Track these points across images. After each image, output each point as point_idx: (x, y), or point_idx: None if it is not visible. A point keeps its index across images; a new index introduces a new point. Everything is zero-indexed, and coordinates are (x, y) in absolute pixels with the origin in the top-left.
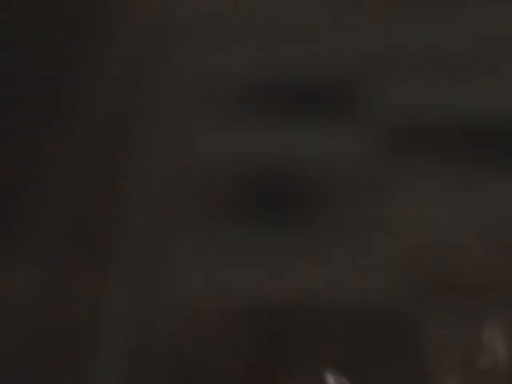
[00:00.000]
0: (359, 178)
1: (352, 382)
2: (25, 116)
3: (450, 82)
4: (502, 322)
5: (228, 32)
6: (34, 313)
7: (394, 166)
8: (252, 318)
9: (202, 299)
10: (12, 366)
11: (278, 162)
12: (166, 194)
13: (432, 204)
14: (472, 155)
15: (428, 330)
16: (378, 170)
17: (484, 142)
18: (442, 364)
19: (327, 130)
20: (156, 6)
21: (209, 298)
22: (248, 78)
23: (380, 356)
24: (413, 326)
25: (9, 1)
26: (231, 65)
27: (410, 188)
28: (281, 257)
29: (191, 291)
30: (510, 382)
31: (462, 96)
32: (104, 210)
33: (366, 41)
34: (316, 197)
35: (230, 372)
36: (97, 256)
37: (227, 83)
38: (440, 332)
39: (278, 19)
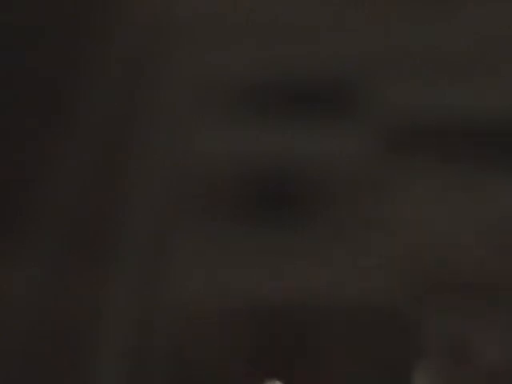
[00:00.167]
0: (359, 177)
1: (352, 381)
2: (25, 116)
3: (449, 82)
4: (502, 322)
5: (228, 32)
6: (33, 313)
7: (394, 165)
8: (252, 318)
9: (202, 299)
10: (12, 365)
11: (278, 162)
12: (166, 194)
13: (432, 204)
14: (472, 155)
15: (428, 330)
16: (377, 170)
17: (484, 142)
18: (441, 364)
19: (327, 130)
20: (156, 6)
21: (209, 298)
22: (248, 78)
23: (380, 356)
24: (413, 325)
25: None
26: (231, 65)
27: (410, 188)
28: (281, 257)
29: (191, 291)
30: (509, 382)
31: (461, 96)
32: (104, 210)
33: (366, 41)
34: (316, 197)
35: (229, 372)
36: (97, 256)
37: (227, 83)
38: (440, 332)
39: (278, 19)
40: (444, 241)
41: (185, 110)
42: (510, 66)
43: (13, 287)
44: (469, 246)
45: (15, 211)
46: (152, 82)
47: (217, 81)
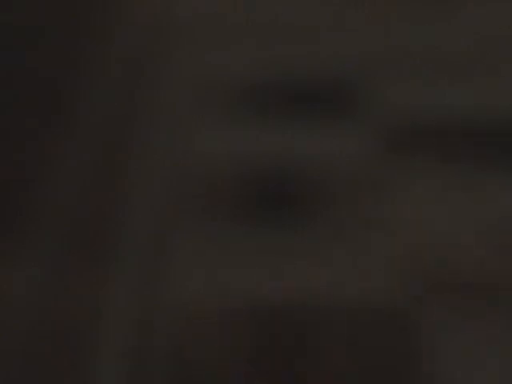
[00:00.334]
0: (359, 177)
1: (352, 381)
2: (25, 116)
3: (450, 82)
4: (502, 322)
5: (228, 32)
6: (33, 313)
7: (394, 165)
8: (252, 318)
9: (202, 299)
10: (12, 365)
11: (278, 162)
12: (166, 193)
13: (432, 204)
14: (472, 155)
15: (428, 330)
16: (377, 170)
17: (484, 142)
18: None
19: (327, 130)
20: (156, 6)
21: (209, 298)
22: (248, 78)
23: (380, 356)
24: (413, 325)
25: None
26: (231, 65)
27: (410, 188)
28: (281, 257)
29: (191, 291)
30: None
31: (461, 96)
32: (104, 210)
33: (366, 41)
34: (316, 197)
35: (229, 372)
36: (97, 256)
37: (227, 83)
38: (440, 332)
39: (277, 19)
40: (444, 241)
41: (185, 110)
42: (509, 66)
43: (13, 287)
44: (469, 245)
45: (15, 211)
46: (152, 81)
47: (217, 81)
